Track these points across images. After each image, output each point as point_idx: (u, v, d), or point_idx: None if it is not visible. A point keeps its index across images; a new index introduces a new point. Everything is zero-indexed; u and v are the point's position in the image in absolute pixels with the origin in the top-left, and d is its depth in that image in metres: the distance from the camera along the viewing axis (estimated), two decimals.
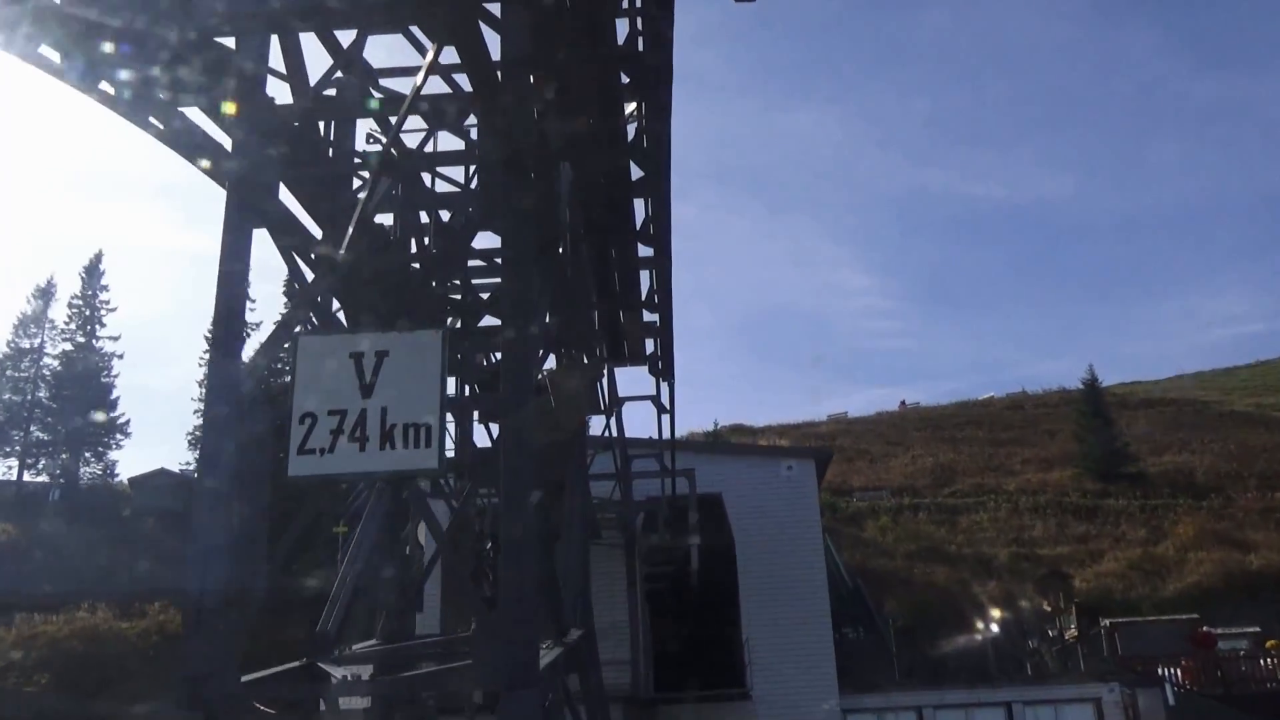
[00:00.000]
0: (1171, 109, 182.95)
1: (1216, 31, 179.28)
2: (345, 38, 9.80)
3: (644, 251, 15.26)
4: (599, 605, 30.69)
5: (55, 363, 62.02)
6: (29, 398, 60.32)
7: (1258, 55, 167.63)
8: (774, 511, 30.40)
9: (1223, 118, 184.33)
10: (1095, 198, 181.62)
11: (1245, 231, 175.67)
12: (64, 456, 59.01)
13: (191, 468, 54.56)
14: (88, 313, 63.11)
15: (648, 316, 18.56)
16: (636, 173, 12.70)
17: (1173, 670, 29.90)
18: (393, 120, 9.40)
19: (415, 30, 9.61)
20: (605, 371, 20.25)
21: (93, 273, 63.65)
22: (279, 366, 33.53)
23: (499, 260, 11.28)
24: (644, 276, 16.29)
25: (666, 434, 24.72)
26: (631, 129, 12.10)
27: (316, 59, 10.22)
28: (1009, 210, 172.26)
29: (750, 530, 30.28)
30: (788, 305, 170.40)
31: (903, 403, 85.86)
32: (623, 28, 10.06)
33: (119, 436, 60.82)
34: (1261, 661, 30.60)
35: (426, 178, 12.37)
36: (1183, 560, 48.43)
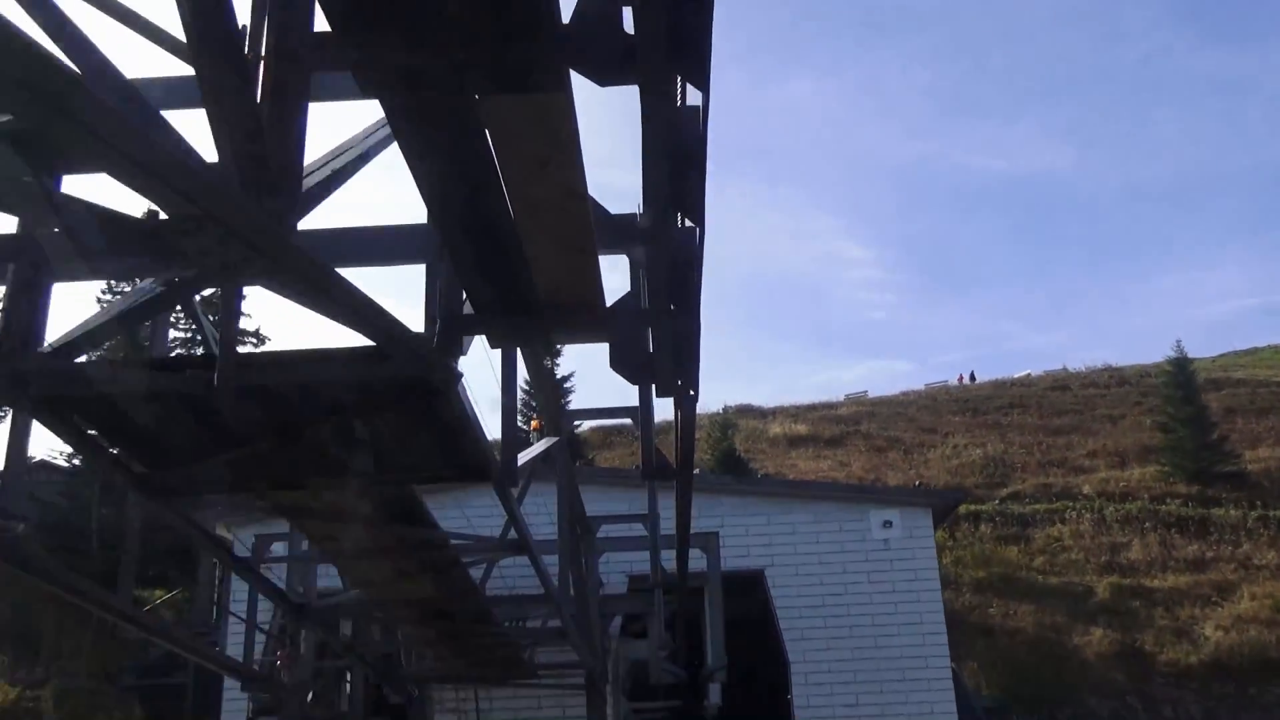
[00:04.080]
0: (1173, 81, 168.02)
1: (1219, 4, 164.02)
2: None
3: None
4: None
5: None
6: None
7: (1260, 29, 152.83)
8: (860, 600, 15.88)
9: (1224, 91, 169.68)
10: (1096, 170, 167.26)
11: (1244, 206, 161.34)
12: None
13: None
14: None
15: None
16: None
17: None
18: None
19: None
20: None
21: None
22: None
23: None
24: None
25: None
26: None
27: None
28: (1009, 181, 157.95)
29: (817, 633, 15.77)
30: (786, 277, 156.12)
31: (966, 377, 71.48)
32: None
33: None
34: None
35: None
36: None
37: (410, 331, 4.95)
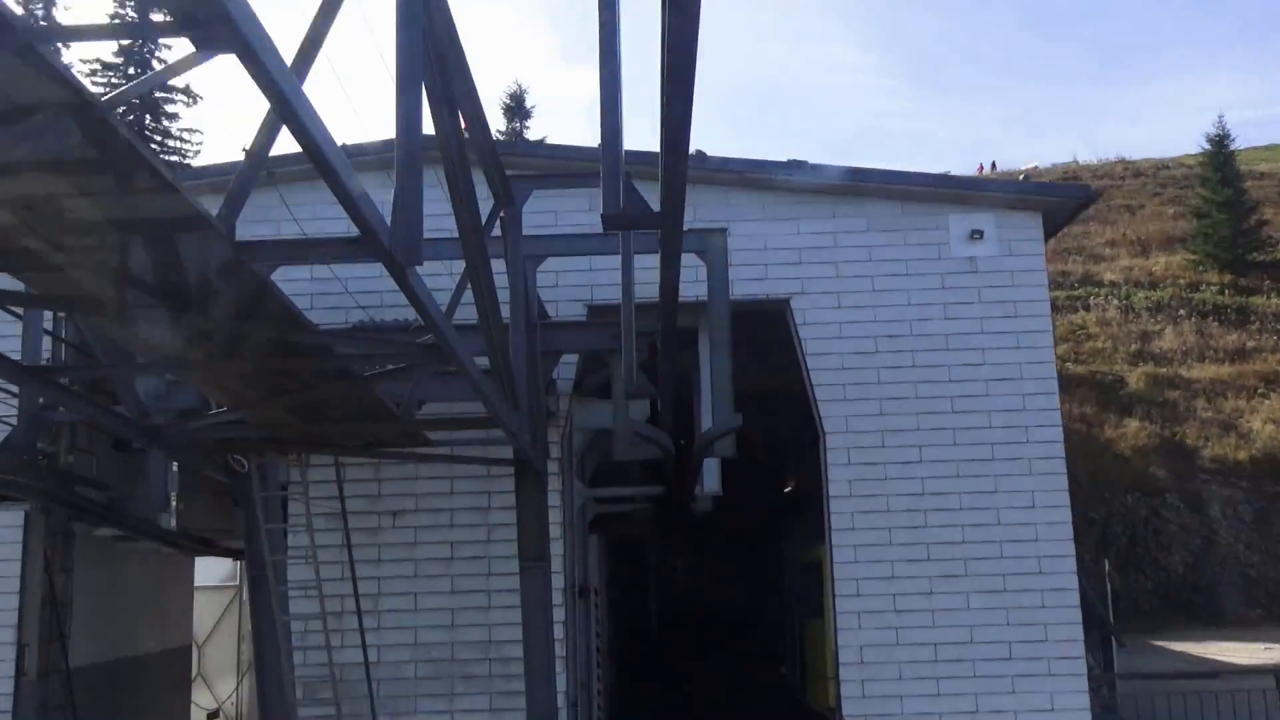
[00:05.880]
0: None
1: None
2: None
3: None
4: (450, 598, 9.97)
5: None
6: None
7: None
8: (932, 345, 10.40)
9: None
10: None
11: (1248, 13, 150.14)
12: None
13: None
14: None
15: None
16: None
17: None
18: None
19: None
20: None
21: None
22: None
23: None
24: None
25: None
26: None
27: None
28: None
29: (866, 391, 10.37)
30: (779, 83, 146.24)
31: (986, 167, 64.71)
32: None
33: None
34: None
35: None
36: None
37: None
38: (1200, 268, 40.47)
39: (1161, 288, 38.16)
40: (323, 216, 10.63)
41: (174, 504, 10.47)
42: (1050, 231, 10.83)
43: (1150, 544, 25.63)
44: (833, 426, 10.31)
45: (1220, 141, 43.63)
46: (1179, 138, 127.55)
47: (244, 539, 8.89)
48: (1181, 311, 35.99)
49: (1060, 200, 10.66)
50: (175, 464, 10.21)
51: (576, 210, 10.66)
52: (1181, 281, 38.41)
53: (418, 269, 4.95)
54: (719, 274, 8.65)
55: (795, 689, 15.97)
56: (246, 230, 9.91)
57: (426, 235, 9.34)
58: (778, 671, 17.20)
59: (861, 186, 10.64)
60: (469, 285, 6.34)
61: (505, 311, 7.69)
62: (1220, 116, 45.34)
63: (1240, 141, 47.87)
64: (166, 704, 12.89)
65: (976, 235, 10.47)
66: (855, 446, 10.24)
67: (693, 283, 9.11)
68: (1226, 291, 37.64)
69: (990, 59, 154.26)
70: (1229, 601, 24.99)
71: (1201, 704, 12.74)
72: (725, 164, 10.54)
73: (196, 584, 15.14)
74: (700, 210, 10.11)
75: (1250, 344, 33.91)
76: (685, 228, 6.55)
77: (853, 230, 10.58)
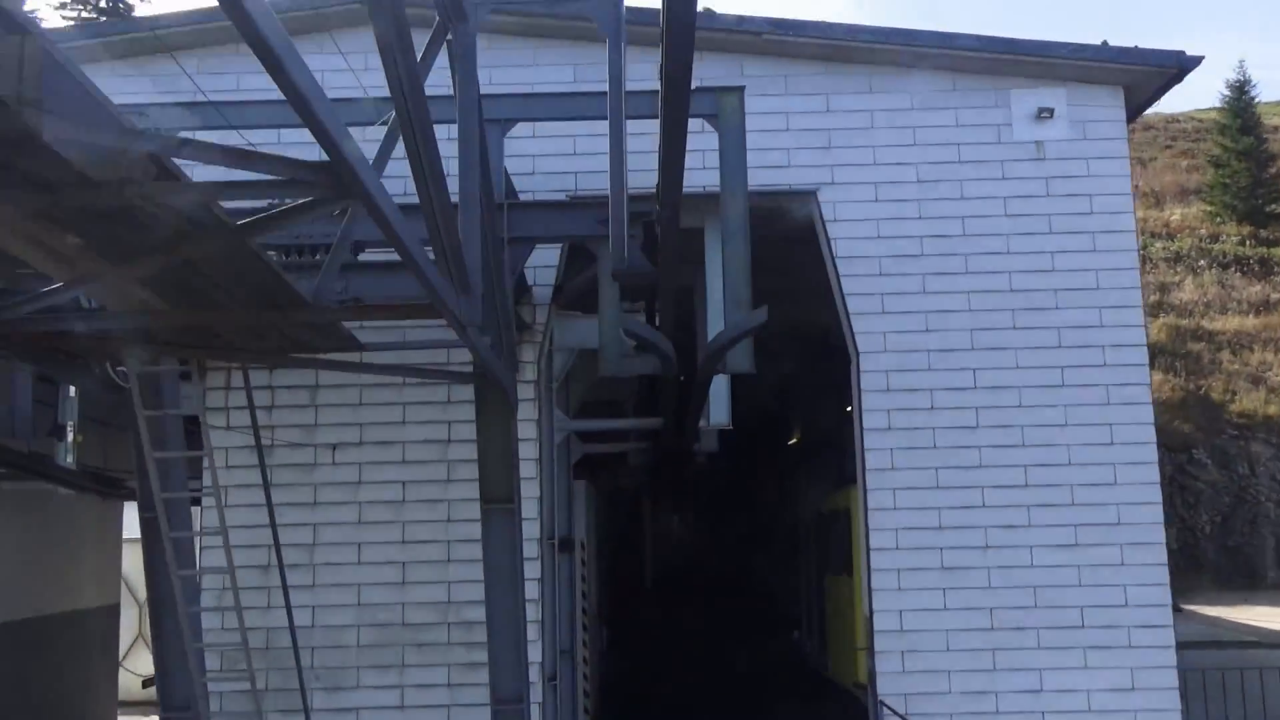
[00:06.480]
0: None
1: None
2: None
3: None
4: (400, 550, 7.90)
5: None
6: None
7: None
8: (990, 248, 8.46)
9: None
10: None
11: None
12: None
13: None
14: None
15: None
16: None
17: None
18: None
19: None
20: None
21: None
22: None
23: None
24: None
25: None
26: None
27: None
28: None
29: (908, 303, 8.45)
30: None
31: None
32: None
33: None
34: None
35: None
36: None
37: None
38: (1218, 219, 38.55)
39: (1179, 239, 36.24)
40: (247, 89, 8.74)
41: (70, 436, 8.56)
42: (1133, 111, 8.91)
43: (1176, 502, 23.83)
44: (868, 345, 8.43)
45: (1240, 88, 41.48)
46: (1188, 98, 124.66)
47: (135, 472, 7.03)
48: (1201, 262, 34.12)
49: (1146, 70, 8.68)
50: (72, 389, 8.32)
51: (557, 83, 8.74)
52: (1201, 233, 36.48)
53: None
54: (735, 143, 6.76)
55: (813, 659, 14.20)
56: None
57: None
58: (790, 638, 15.44)
59: (901, 50, 8.65)
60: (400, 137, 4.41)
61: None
62: (1240, 62, 42.88)
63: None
64: (87, 669, 11.07)
65: (1044, 114, 8.54)
66: (896, 369, 8.37)
67: (698, 170, 7.23)
68: (1248, 243, 35.74)
69: (992, 15, 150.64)
70: (1260, 563, 23.34)
71: (1262, 678, 10.93)
72: (741, 23, 8.56)
73: (132, 535, 13.27)
74: (706, 78, 8.17)
75: (1275, 296, 32.05)
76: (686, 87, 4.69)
77: (892, 107, 8.64)
